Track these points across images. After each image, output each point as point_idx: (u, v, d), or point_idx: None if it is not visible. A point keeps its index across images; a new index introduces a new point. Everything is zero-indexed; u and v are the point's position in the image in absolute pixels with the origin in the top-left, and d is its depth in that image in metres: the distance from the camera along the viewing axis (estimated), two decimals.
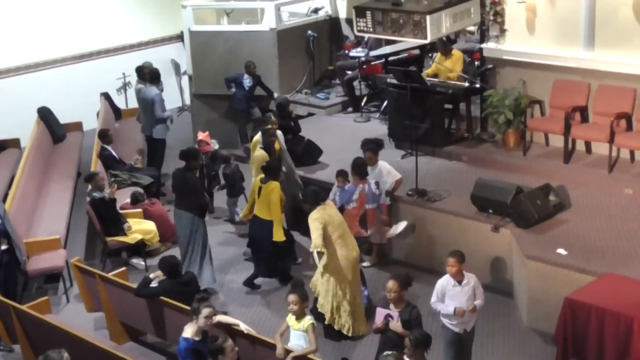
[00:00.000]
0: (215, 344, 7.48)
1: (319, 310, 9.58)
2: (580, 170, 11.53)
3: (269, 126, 11.64)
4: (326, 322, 9.59)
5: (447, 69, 12.88)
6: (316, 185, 10.89)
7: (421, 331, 7.31)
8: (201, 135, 13.46)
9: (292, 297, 8.15)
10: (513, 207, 10.25)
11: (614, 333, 7.84)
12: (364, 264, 10.91)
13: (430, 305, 8.37)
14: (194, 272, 10.03)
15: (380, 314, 7.93)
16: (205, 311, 7.87)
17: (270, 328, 9.69)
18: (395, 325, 7.75)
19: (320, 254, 9.33)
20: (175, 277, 9.16)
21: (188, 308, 8.22)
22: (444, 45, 13.14)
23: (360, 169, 10.44)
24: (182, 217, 10.72)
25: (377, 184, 10.43)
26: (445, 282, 8.22)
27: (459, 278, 8.14)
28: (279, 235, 10.45)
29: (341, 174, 10.58)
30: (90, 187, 11.71)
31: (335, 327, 9.61)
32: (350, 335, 9.65)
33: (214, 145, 13.44)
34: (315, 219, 9.41)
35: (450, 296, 8.16)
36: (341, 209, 10.12)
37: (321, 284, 9.56)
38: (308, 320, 8.16)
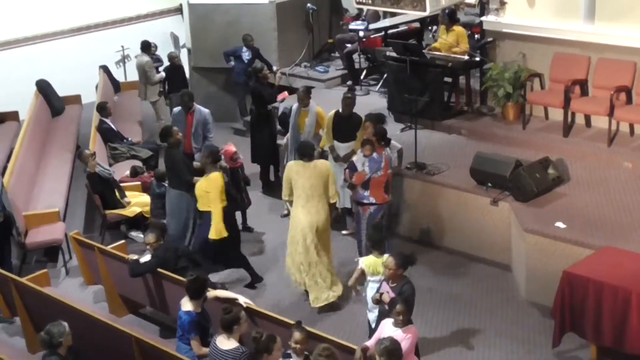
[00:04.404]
0: (230, 314, 7.28)
1: None
2: (580, 143, 11.51)
3: (349, 95, 11.48)
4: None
5: (449, 43, 12.80)
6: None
7: (391, 339, 6.79)
8: (232, 148, 11.35)
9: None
10: (512, 180, 10.25)
11: (612, 306, 7.85)
12: (343, 232, 11.26)
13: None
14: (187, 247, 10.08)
15: (383, 288, 7.94)
16: None
17: (269, 301, 9.73)
18: (385, 295, 7.72)
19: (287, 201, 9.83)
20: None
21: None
22: (448, 18, 12.98)
23: (384, 136, 10.21)
24: (171, 195, 10.77)
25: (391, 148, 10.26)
26: None
27: None
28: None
29: (368, 142, 10.10)
30: None
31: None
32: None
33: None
34: (289, 168, 9.78)
35: None
36: (369, 178, 9.92)
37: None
38: None
